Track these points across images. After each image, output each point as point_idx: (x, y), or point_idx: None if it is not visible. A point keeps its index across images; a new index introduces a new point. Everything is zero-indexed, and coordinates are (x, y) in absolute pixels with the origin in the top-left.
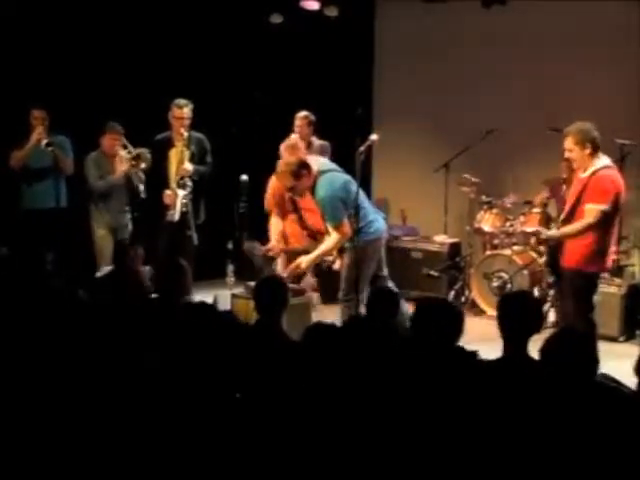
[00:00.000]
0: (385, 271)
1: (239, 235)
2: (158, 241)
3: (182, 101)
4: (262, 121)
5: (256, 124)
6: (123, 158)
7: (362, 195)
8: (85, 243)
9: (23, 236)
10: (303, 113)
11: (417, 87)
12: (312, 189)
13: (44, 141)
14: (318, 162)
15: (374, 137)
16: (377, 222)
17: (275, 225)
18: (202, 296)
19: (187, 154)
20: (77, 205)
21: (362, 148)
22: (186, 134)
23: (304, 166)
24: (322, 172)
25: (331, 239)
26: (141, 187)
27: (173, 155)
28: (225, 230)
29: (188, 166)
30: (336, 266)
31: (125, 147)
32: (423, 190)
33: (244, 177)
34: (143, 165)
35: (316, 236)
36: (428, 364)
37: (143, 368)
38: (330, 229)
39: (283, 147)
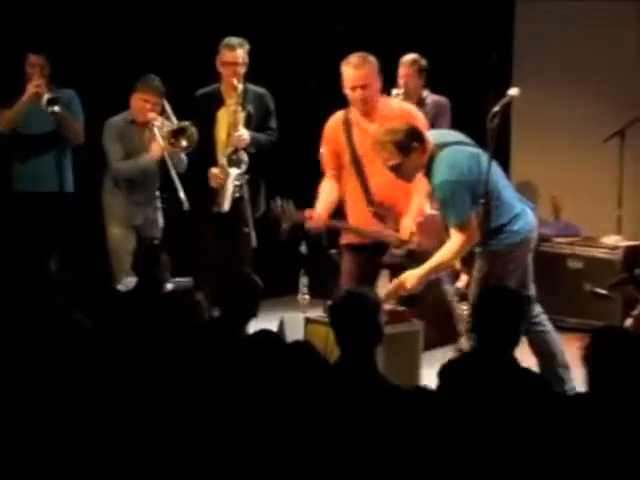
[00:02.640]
0: (532, 289)
1: (317, 234)
2: (203, 242)
3: (234, 40)
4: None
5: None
6: (157, 131)
7: (500, 176)
8: (98, 243)
9: (15, 230)
10: (410, 56)
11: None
12: (427, 170)
13: (45, 96)
14: (436, 132)
15: (514, 92)
16: (524, 216)
17: (327, 191)
18: (263, 321)
19: (242, 116)
20: (89, 190)
21: (496, 108)
22: (241, 87)
23: (416, 136)
24: (440, 146)
25: (452, 244)
26: (182, 194)
27: (222, 118)
28: (296, 227)
29: (244, 133)
30: (460, 284)
31: (164, 114)
32: (585, 170)
33: (324, 151)
34: (184, 143)
35: (385, 218)
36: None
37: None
38: (452, 229)
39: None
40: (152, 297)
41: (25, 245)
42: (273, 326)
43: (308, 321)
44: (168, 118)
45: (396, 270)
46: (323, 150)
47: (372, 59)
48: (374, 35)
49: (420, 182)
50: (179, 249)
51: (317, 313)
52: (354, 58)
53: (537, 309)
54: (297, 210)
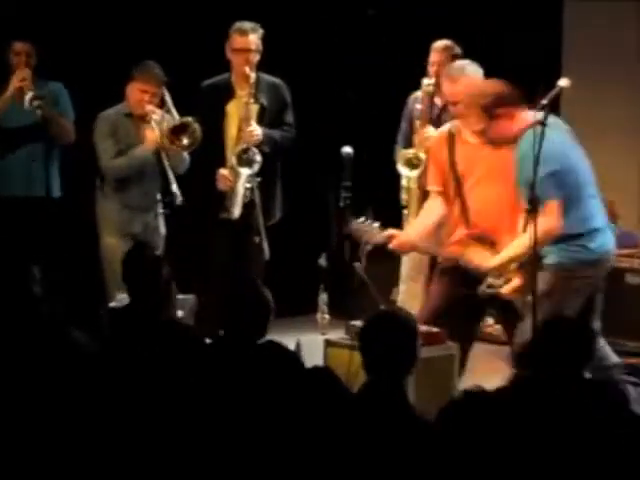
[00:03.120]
0: (597, 323)
1: (338, 244)
2: (209, 252)
3: (246, 24)
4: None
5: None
6: (156, 126)
7: (588, 181)
8: (89, 253)
9: None
10: (443, 42)
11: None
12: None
13: (29, 94)
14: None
15: (564, 83)
16: (604, 234)
17: (427, 212)
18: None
19: (255, 109)
20: (78, 193)
21: (545, 101)
22: (253, 77)
23: (507, 101)
24: (542, 123)
25: (532, 228)
26: (175, 187)
27: (232, 111)
28: (315, 236)
29: (256, 129)
30: (506, 288)
31: (163, 107)
32: None
33: (347, 150)
34: (185, 142)
35: (485, 240)
36: None
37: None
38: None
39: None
40: (150, 316)
41: (8, 257)
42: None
43: (328, 344)
44: (169, 111)
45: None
46: (428, 164)
47: (472, 69)
48: (406, 20)
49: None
50: (182, 261)
51: (338, 335)
52: (452, 70)
53: (601, 342)
54: (380, 229)
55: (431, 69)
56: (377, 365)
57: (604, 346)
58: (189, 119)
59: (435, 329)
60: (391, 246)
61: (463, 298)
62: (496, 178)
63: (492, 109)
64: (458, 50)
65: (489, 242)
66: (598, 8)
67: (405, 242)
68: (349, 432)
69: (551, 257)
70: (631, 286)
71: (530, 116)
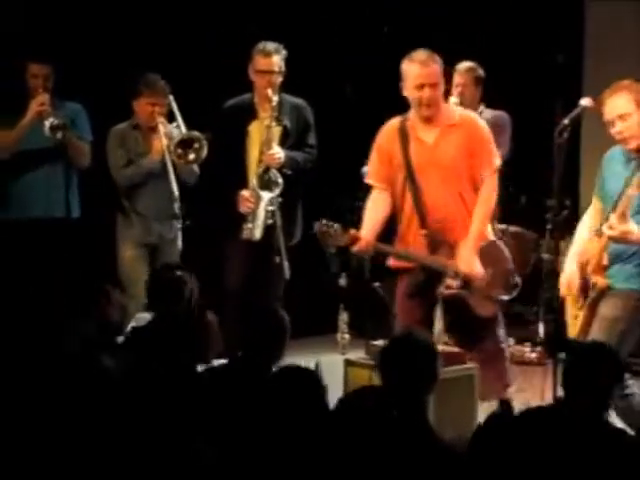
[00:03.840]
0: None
1: (357, 264)
2: (227, 272)
3: (270, 45)
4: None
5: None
6: (164, 135)
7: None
8: (110, 273)
9: (13, 264)
10: (467, 64)
11: None
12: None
13: (49, 120)
14: None
15: (586, 102)
16: None
17: (375, 208)
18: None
19: (277, 131)
20: (96, 214)
21: (565, 121)
22: (276, 99)
23: None
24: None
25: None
26: (175, 189)
27: (254, 132)
28: (335, 256)
29: (278, 151)
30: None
31: (171, 119)
32: None
33: (367, 169)
34: (191, 157)
35: (440, 239)
36: None
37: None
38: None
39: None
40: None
41: (24, 282)
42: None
43: (348, 363)
44: (178, 126)
45: (451, 303)
46: (373, 159)
47: (438, 58)
48: (422, 38)
49: (484, 204)
50: (202, 279)
51: (358, 354)
52: (420, 55)
53: (626, 375)
54: (344, 232)
55: (455, 90)
56: (395, 388)
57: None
58: (196, 134)
59: (455, 349)
60: (353, 250)
61: (422, 308)
62: (448, 178)
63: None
64: (481, 72)
65: (443, 242)
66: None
67: (365, 244)
68: (369, 454)
69: (627, 282)
70: None
71: None
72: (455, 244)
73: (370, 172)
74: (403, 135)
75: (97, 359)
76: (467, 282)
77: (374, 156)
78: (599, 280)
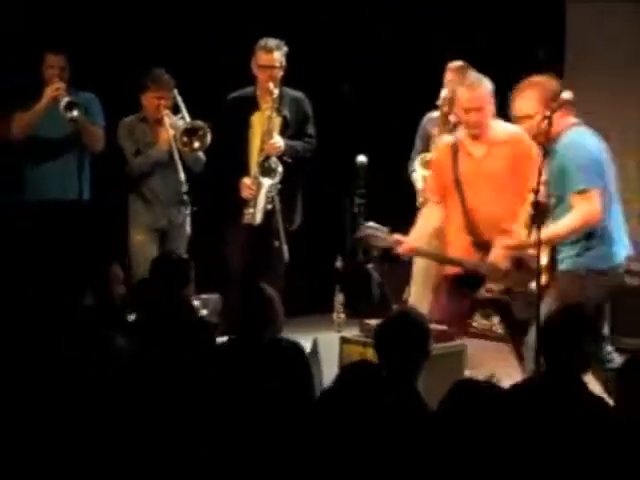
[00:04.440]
0: (605, 328)
1: (352, 247)
2: (229, 255)
3: (271, 42)
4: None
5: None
6: (169, 125)
7: (614, 189)
8: (121, 256)
9: (29, 245)
10: (458, 63)
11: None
12: (547, 147)
13: (64, 100)
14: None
15: (566, 96)
16: (621, 243)
17: (426, 218)
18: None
19: (277, 122)
20: (108, 198)
21: (547, 113)
22: (277, 92)
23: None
24: (578, 124)
25: (572, 214)
26: (182, 175)
27: (256, 123)
28: (331, 240)
29: (278, 140)
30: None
31: (176, 111)
32: None
33: (362, 158)
34: (196, 145)
35: (486, 246)
36: None
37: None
38: (574, 198)
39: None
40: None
41: (45, 260)
42: (307, 346)
43: (343, 341)
44: (182, 117)
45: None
46: (430, 174)
47: (487, 81)
48: (415, 39)
49: (554, 226)
50: (206, 262)
51: (353, 332)
52: (469, 78)
53: (608, 348)
54: (389, 234)
55: (446, 86)
56: (392, 362)
57: (612, 352)
58: (200, 123)
59: (444, 327)
60: (398, 251)
61: (465, 309)
62: (495, 191)
63: (551, 103)
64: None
65: (489, 250)
66: (603, 5)
67: (410, 247)
68: (363, 425)
69: (566, 263)
70: (629, 287)
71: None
72: None
73: (428, 187)
74: (454, 150)
75: (111, 339)
76: (508, 288)
77: (432, 170)
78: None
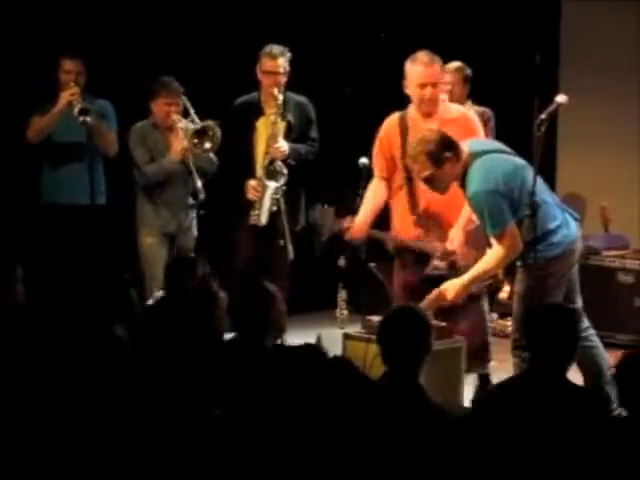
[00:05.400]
0: (579, 302)
1: (355, 247)
2: (235, 255)
3: (276, 48)
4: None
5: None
6: (181, 131)
7: (542, 187)
8: (132, 258)
9: (44, 244)
10: (456, 64)
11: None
12: (462, 181)
13: (77, 106)
14: (472, 140)
15: (561, 99)
16: (566, 226)
17: (373, 195)
18: (300, 337)
19: (282, 126)
20: (121, 202)
21: (542, 116)
22: (281, 97)
23: (448, 146)
24: (475, 155)
25: (493, 253)
26: (199, 183)
27: (261, 127)
28: (335, 239)
29: (283, 144)
30: (503, 295)
31: (186, 115)
32: (636, 180)
33: (364, 160)
34: (208, 145)
35: (429, 227)
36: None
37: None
38: (492, 239)
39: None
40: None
41: (58, 260)
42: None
43: (346, 337)
44: (192, 121)
45: (436, 283)
46: (375, 150)
47: (438, 59)
48: (414, 40)
49: None
50: (213, 262)
51: (356, 329)
52: (423, 56)
53: (585, 323)
54: (337, 219)
55: (444, 88)
56: (394, 356)
57: (588, 328)
58: (209, 123)
59: (443, 323)
60: (347, 237)
61: (417, 282)
62: None
63: (439, 155)
64: (469, 72)
65: (437, 225)
66: (597, 9)
67: (359, 230)
68: (369, 417)
69: (522, 259)
70: (620, 284)
71: (464, 151)
72: (446, 227)
73: (373, 162)
74: (403, 127)
75: (110, 328)
76: (453, 263)
77: (375, 147)
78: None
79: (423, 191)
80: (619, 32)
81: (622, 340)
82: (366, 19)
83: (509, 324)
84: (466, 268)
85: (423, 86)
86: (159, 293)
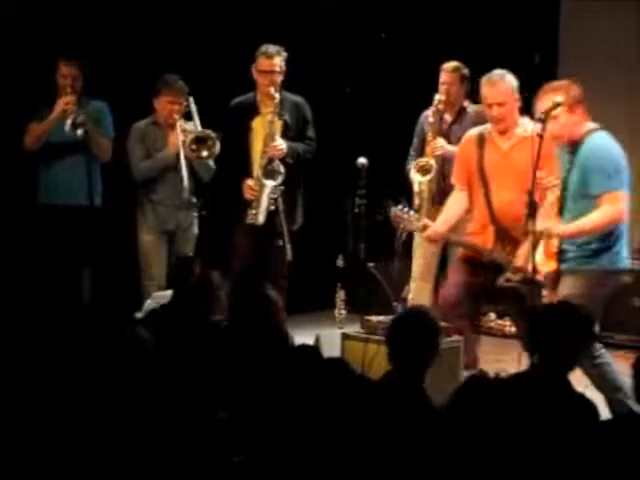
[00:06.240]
0: (596, 327)
1: (353, 246)
2: (233, 254)
3: (272, 48)
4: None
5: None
6: (179, 127)
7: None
8: (130, 258)
9: (41, 245)
10: (453, 63)
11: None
12: (573, 148)
13: (70, 117)
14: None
15: (559, 99)
16: (625, 247)
17: (453, 204)
18: (299, 337)
19: (279, 125)
20: (118, 203)
21: (541, 115)
22: (278, 97)
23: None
24: (598, 130)
25: (600, 211)
26: (185, 182)
27: (258, 127)
28: (332, 239)
29: (281, 143)
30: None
31: (189, 118)
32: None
33: (362, 160)
34: (205, 154)
35: (507, 236)
36: None
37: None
38: (602, 197)
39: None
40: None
41: (55, 261)
42: (309, 342)
43: (345, 337)
44: (194, 123)
45: (507, 295)
46: (455, 162)
47: (510, 78)
48: (414, 41)
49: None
50: (212, 260)
51: (354, 329)
52: (493, 75)
53: (597, 345)
54: (416, 219)
55: (441, 87)
56: (402, 357)
57: (601, 348)
58: (210, 133)
59: (442, 323)
60: (424, 235)
61: (479, 287)
62: (518, 183)
63: (575, 105)
64: (466, 71)
65: (509, 239)
66: (596, 9)
67: (436, 232)
68: (368, 416)
69: (578, 262)
70: (621, 284)
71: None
72: (518, 241)
73: (454, 174)
74: (480, 141)
75: (134, 330)
76: (527, 279)
77: (457, 159)
78: (551, 264)
79: (497, 202)
80: (619, 32)
81: (621, 340)
82: (366, 19)
83: (507, 324)
84: (538, 283)
85: (490, 106)
86: (162, 294)
